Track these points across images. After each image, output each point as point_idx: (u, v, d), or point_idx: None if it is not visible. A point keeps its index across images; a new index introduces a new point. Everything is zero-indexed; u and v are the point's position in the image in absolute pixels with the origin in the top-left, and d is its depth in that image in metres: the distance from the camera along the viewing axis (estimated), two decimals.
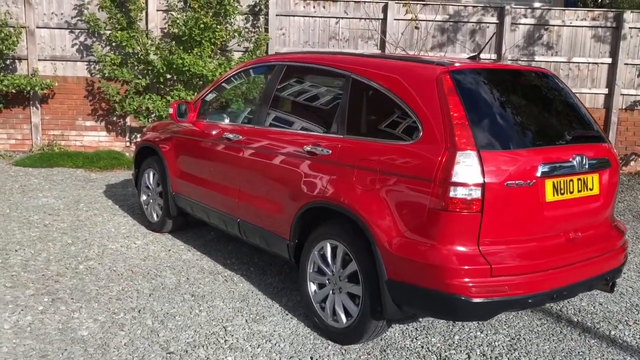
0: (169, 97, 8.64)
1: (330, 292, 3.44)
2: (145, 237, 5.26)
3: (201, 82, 8.58)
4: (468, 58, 3.84)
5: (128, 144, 9.22)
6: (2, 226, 5.43)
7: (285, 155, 3.74)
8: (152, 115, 8.81)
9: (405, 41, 9.02)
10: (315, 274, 3.55)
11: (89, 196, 6.76)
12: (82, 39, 8.88)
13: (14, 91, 8.65)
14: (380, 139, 3.18)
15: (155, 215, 5.41)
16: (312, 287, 3.58)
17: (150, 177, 5.44)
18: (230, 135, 4.26)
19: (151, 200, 5.47)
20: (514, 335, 3.62)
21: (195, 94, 8.50)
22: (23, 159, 8.52)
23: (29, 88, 8.60)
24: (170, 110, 4.69)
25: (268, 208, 3.87)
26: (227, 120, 4.57)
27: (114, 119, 9.15)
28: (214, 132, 4.50)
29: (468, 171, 2.80)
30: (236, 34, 8.65)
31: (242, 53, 8.90)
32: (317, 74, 3.92)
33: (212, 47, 8.49)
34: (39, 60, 8.83)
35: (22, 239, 5.08)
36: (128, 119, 9.12)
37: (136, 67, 8.70)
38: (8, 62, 8.78)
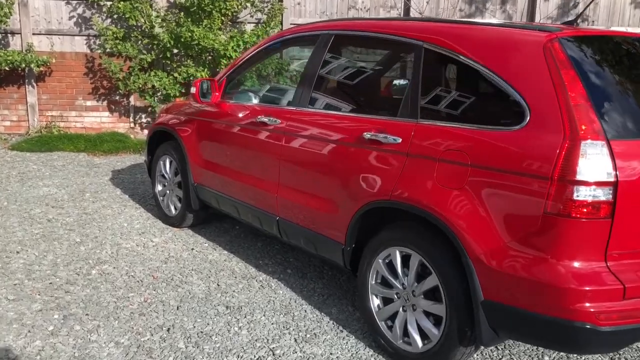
0: (176, 74, 7.97)
1: (401, 309, 2.86)
2: (162, 234, 4.66)
3: (211, 56, 7.90)
4: (563, 24, 3.21)
5: (132, 125, 8.57)
6: (1, 222, 4.82)
7: (339, 144, 3.12)
8: (158, 94, 8.15)
9: (430, 10, 8.33)
10: (380, 287, 2.97)
11: (94, 184, 6.14)
12: (80, 10, 8.16)
13: (7, 68, 7.96)
14: (469, 125, 2.56)
15: (173, 208, 4.80)
16: (375, 302, 3.00)
17: (166, 166, 4.82)
18: (266, 119, 3.63)
19: (168, 192, 4.85)
20: (617, 357, 3.06)
21: (206, 70, 7.82)
22: (20, 143, 7.88)
23: (23, 65, 7.92)
24: (193, 90, 4.04)
25: (316, 206, 3.27)
26: (259, 101, 3.94)
27: (117, 98, 8.49)
28: (244, 115, 3.87)
29: (596, 166, 2.19)
30: (248, 4, 7.95)
31: (254, 25, 8.20)
32: (375, 44, 3.29)
33: (223, 18, 7.78)
34: (33, 34, 8.12)
35: (23, 237, 4.48)
36: (132, 98, 8.46)
37: (140, 42, 7.99)
38: (0, 36, 8.07)
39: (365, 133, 2.95)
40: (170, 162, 4.76)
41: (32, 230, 4.64)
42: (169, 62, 8.06)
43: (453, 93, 2.78)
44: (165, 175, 4.85)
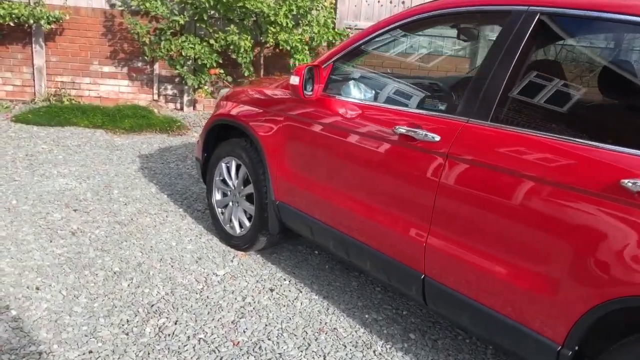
0: (212, 41, 6.72)
1: None
2: (226, 262, 3.54)
3: (254, 19, 6.62)
4: None
5: (156, 97, 7.35)
6: (10, 232, 3.69)
7: (565, 189, 1.98)
8: (189, 62, 6.92)
9: None
10: None
11: (121, 176, 4.99)
12: None
13: (11, 24, 6.69)
14: None
15: (237, 226, 3.68)
16: None
17: (231, 170, 3.67)
18: (410, 131, 2.48)
19: (231, 203, 3.72)
20: None
21: (249, 38, 6.56)
22: (24, 113, 6.65)
23: (31, 21, 6.65)
24: (295, 80, 2.86)
25: (506, 277, 2.16)
26: (391, 102, 2.79)
27: (139, 64, 7.25)
28: (368, 120, 2.72)
29: None
30: None
31: None
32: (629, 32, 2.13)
33: None
34: None
35: (42, 261, 3.35)
36: (156, 66, 7.22)
37: (171, 0, 6.72)
38: None
39: (624, 181, 1.82)
40: (238, 167, 3.62)
41: (53, 250, 3.51)
42: (203, 26, 6.81)
43: None
44: (229, 182, 3.71)
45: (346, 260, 2.96)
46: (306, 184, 3.07)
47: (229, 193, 3.74)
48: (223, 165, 3.72)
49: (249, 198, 3.56)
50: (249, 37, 6.53)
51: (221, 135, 3.88)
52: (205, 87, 7.05)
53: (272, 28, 6.42)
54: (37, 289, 3.04)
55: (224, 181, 3.76)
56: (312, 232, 3.12)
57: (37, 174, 4.88)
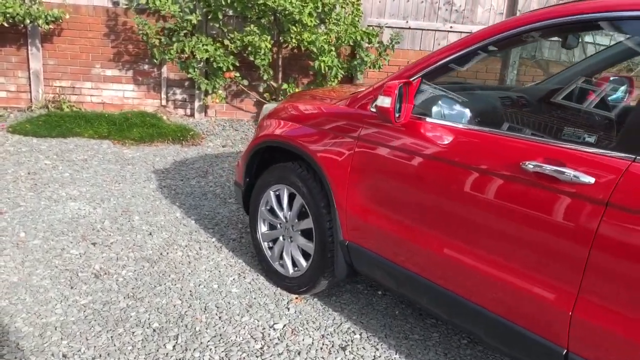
0: (226, 42, 6.16)
1: None
2: (281, 310, 3.00)
3: (273, 17, 6.03)
4: None
5: (164, 102, 6.76)
6: (23, 277, 3.12)
7: None
8: (200, 65, 6.34)
9: None
10: None
11: (138, 197, 4.43)
12: None
13: (5, 24, 6.06)
14: None
15: (290, 265, 3.14)
16: None
17: (282, 200, 3.13)
18: (544, 168, 1.96)
19: (281, 238, 3.18)
20: None
21: (269, 38, 5.98)
22: (22, 123, 6.05)
23: (27, 21, 6.02)
24: (386, 102, 2.31)
25: None
26: (505, 129, 2.26)
27: (146, 67, 6.66)
28: (483, 152, 2.19)
29: None
30: None
31: None
32: None
33: None
34: None
35: (66, 316, 2.79)
36: (164, 69, 6.63)
37: None
38: None
39: None
40: (291, 197, 3.08)
41: (76, 299, 2.95)
42: (216, 26, 6.23)
43: None
44: (279, 213, 3.17)
45: (445, 319, 2.44)
46: (391, 225, 2.53)
47: (278, 226, 3.20)
48: (272, 193, 3.18)
49: (306, 233, 3.03)
50: (269, 38, 5.96)
51: (265, 157, 3.35)
52: (220, 91, 6.48)
53: (294, 27, 5.86)
54: (65, 357, 2.49)
55: (272, 211, 3.22)
56: (397, 283, 2.59)
57: (43, 196, 4.30)
